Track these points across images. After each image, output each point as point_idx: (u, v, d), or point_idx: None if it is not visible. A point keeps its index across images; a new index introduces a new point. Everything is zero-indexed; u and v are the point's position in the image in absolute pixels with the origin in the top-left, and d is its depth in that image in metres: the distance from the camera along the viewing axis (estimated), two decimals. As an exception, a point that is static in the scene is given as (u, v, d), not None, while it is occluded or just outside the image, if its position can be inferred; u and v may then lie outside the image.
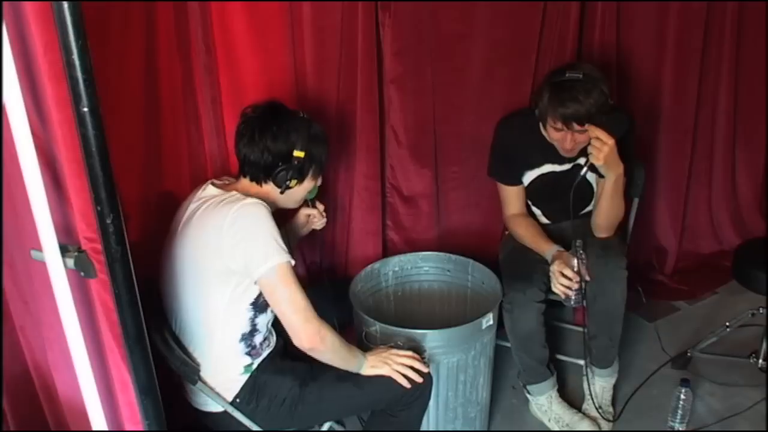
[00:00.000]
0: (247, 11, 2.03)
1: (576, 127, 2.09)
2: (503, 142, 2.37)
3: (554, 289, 2.18)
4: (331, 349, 1.77)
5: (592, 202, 2.39)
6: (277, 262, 1.68)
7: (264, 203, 1.72)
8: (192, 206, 1.82)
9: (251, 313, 1.80)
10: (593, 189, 2.34)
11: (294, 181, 1.80)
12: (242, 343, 1.83)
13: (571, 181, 2.25)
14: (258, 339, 1.85)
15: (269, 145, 1.75)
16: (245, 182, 1.83)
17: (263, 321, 1.85)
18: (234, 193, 1.78)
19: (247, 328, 1.81)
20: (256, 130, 1.76)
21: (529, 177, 2.37)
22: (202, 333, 1.82)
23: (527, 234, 2.34)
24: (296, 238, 2.12)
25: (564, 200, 2.33)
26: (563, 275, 2.12)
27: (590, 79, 2.08)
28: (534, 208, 2.45)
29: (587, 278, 2.13)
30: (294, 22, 2.12)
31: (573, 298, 2.15)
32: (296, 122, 1.79)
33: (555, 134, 2.16)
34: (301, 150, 1.77)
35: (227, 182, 1.89)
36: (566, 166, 2.32)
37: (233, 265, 1.70)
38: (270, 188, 1.81)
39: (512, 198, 2.41)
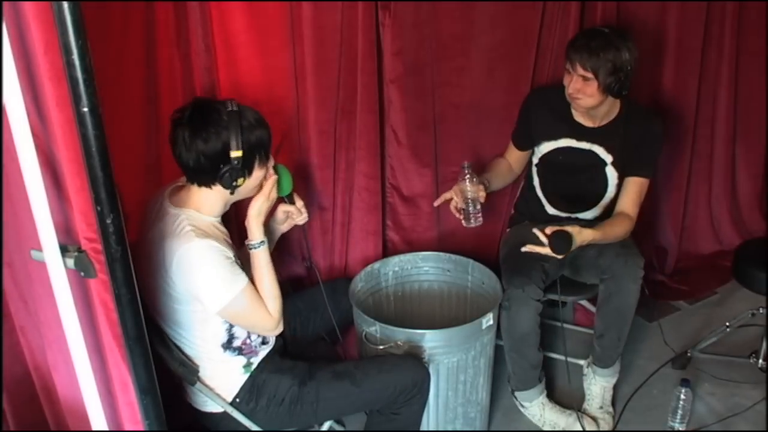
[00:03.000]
0: (247, 11, 2.02)
1: (579, 70, 2.14)
2: (528, 109, 2.41)
3: (452, 208, 2.21)
4: (281, 307, 1.83)
5: (602, 202, 2.39)
6: (226, 302, 1.71)
7: (206, 241, 1.68)
8: (154, 214, 1.79)
9: (226, 325, 1.81)
10: (607, 184, 2.35)
11: (241, 179, 1.72)
12: (227, 350, 1.83)
13: (585, 166, 2.30)
14: (237, 342, 1.85)
15: (202, 148, 1.65)
16: (195, 188, 1.76)
17: (240, 328, 1.84)
18: (182, 217, 1.72)
19: (224, 338, 1.82)
20: (187, 135, 1.66)
21: (546, 147, 2.38)
22: (190, 340, 1.82)
23: (490, 166, 2.44)
24: (276, 234, 2.07)
25: (573, 185, 2.33)
26: (453, 195, 2.17)
27: (615, 37, 2.15)
28: (539, 192, 2.45)
29: (482, 199, 2.17)
30: (294, 21, 2.11)
31: (472, 219, 2.18)
32: (225, 118, 1.67)
33: (566, 77, 2.23)
34: (238, 148, 1.66)
35: (182, 184, 1.82)
36: (584, 144, 2.33)
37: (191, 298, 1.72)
38: (219, 189, 1.73)
39: (512, 155, 2.47)
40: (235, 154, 1.67)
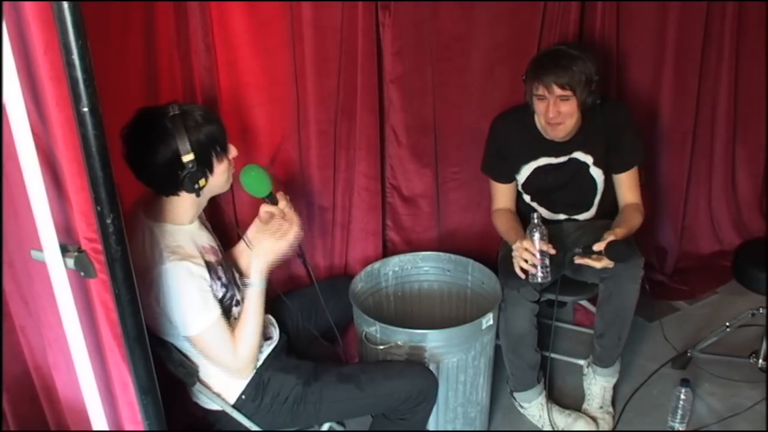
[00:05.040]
0: (247, 11, 2.03)
1: (557, 90, 2.11)
2: (498, 138, 2.38)
3: (516, 269, 2.10)
4: (254, 353, 1.81)
5: (595, 201, 2.39)
6: (195, 332, 1.69)
7: (181, 264, 1.66)
8: (130, 228, 1.76)
9: None
10: (596, 184, 2.35)
11: (203, 180, 1.68)
12: None
13: (569, 174, 2.29)
14: None
15: (152, 160, 1.62)
16: (164, 197, 1.73)
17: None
18: (156, 232, 1.69)
19: None
20: (135, 150, 1.64)
21: (526, 171, 2.36)
22: (189, 346, 1.81)
23: (504, 226, 2.34)
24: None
25: (563, 193, 2.33)
26: (526, 250, 2.06)
27: (574, 50, 2.14)
28: (535, 205, 2.44)
29: (552, 252, 2.08)
30: (294, 21, 2.11)
31: (540, 274, 2.07)
32: (169, 124, 1.62)
33: (539, 105, 2.18)
34: (188, 152, 1.62)
35: (152, 195, 1.77)
36: (562, 159, 2.33)
37: None
38: (186, 194, 1.70)
39: (502, 194, 2.41)
40: (188, 158, 1.63)
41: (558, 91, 2.11)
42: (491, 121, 2.42)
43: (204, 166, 1.68)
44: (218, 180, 1.74)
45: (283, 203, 1.88)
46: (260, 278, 1.80)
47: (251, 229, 1.98)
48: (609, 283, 2.21)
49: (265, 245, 1.80)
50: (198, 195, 1.71)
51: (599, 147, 2.30)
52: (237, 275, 1.94)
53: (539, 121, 2.26)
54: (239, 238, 2.08)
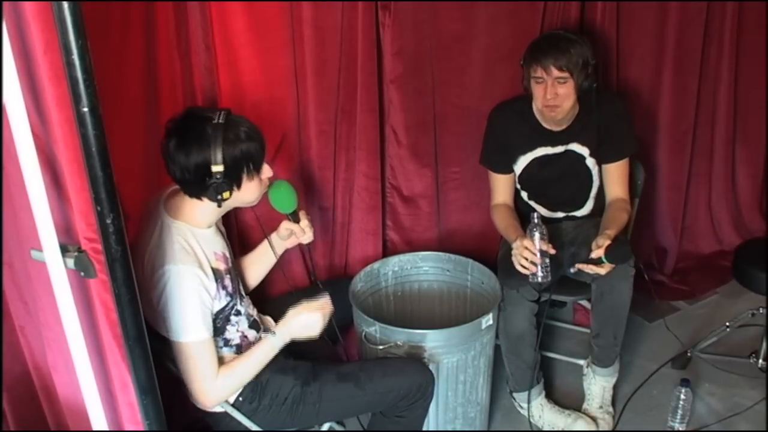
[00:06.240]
0: (247, 11, 2.03)
1: (555, 72, 2.12)
2: (496, 128, 2.39)
3: (517, 267, 2.11)
4: (231, 392, 1.79)
5: (591, 195, 2.39)
6: (185, 340, 1.68)
7: (192, 269, 1.66)
8: (149, 220, 1.78)
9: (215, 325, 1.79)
10: (592, 176, 2.36)
11: (227, 193, 1.68)
12: (224, 347, 1.83)
13: (565, 166, 2.30)
14: (234, 339, 1.84)
15: (183, 161, 1.63)
16: (186, 198, 1.73)
17: (233, 331, 1.84)
18: (173, 231, 1.70)
19: (219, 344, 1.81)
20: (172, 147, 1.64)
21: (523, 162, 2.36)
22: None
23: (503, 222, 2.34)
24: (280, 249, 2.05)
25: (560, 188, 2.33)
26: (526, 249, 2.07)
27: (572, 35, 2.19)
28: (532, 203, 2.45)
29: (552, 251, 2.09)
30: (294, 22, 2.11)
31: (540, 274, 2.08)
32: (208, 131, 1.62)
33: (537, 89, 2.19)
34: (219, 162, 1.62)
35: (177, 190, 1.78)
36: (559, 149, 2.33)
37: None
38: (209, 201, 1.71)
39: (500, 187, 2.41)
40: (217, 168, 1.63)
41: (556, 72, 2.13)
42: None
43: (232, 180, 1.69)
44: (246, 196, 1.75)
45: (304, 222, 1.95)
46: (283, 339, 1.80)
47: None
48: (600, 282, 2.20)
49: (306, 320, 1.81)
50: (219, 206, 1.72)
51: (595, 139, 2.30)
52: (241, 285, 1.96)
53: (536, 107, 2.27)
54: (242, 252, 2.11)
